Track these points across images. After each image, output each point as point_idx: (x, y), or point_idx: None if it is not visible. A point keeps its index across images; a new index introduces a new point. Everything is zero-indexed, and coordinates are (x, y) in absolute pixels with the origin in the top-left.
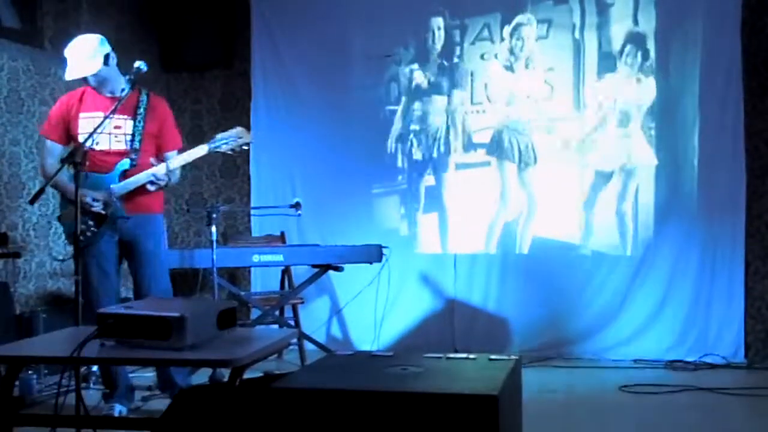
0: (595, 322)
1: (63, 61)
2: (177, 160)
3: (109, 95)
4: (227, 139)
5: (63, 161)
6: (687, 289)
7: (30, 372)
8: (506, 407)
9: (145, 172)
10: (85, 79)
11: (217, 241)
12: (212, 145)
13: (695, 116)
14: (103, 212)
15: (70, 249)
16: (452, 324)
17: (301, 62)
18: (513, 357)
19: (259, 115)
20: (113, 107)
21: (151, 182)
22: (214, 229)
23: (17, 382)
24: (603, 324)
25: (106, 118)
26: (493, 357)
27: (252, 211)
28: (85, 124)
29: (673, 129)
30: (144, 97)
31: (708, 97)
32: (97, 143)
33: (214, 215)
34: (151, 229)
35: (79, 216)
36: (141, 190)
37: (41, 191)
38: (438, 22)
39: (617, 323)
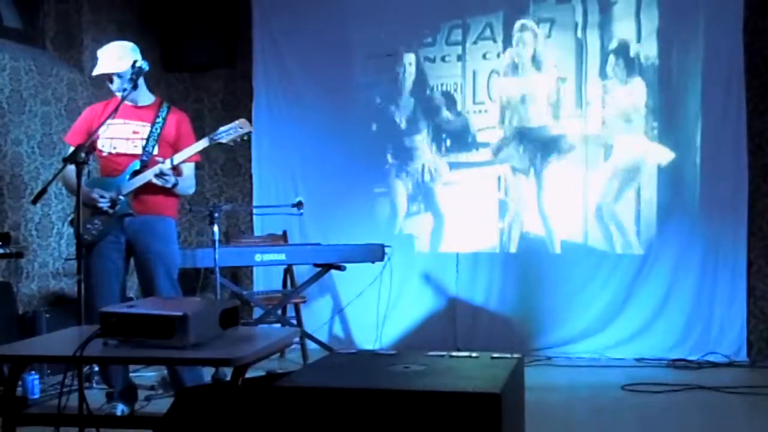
0: (597, 321)
1: (66, 61)
2: (180, 154)
3: (131, 104)
4: (228, 131)
5: (65, 160)
6: (689, 287)
7: (33, 372)
8: (509, 405)
9: (150, 169)
10: (111, 85)
11: (219, 240)
12: (213, 137)
13: (697, 115)
14: (110, 210)
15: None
16: (454, 322)
17: (302, 61)
18: (515, 355)
19: (260, 115)
20: (133, 116)
21: (157, 176)
22: (216, 228)
23: (20, 382)
24: (605, 323)
25: (105, 120)
26: (495, 355)
27: (254, 210)
28: (105, 130)
29: (675, 127)
30: (165, 108)
31: (710, 96)
32: (114, 147)
33: (216, 214)
34: (160, 230)
35: (81, 213)
36: (151, 190)
37: (43, 191)
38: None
39: (619, 322)
